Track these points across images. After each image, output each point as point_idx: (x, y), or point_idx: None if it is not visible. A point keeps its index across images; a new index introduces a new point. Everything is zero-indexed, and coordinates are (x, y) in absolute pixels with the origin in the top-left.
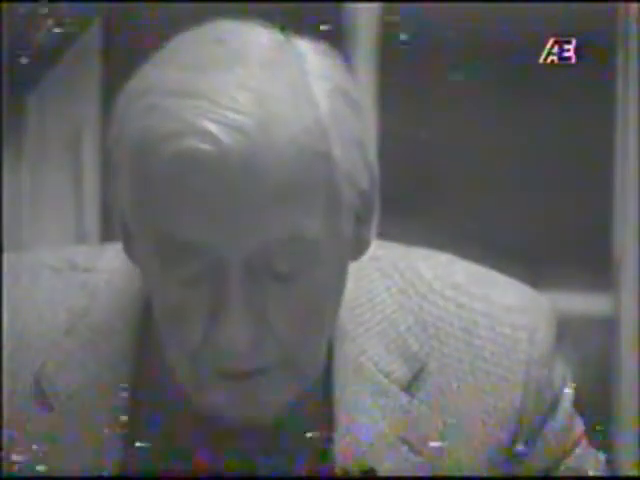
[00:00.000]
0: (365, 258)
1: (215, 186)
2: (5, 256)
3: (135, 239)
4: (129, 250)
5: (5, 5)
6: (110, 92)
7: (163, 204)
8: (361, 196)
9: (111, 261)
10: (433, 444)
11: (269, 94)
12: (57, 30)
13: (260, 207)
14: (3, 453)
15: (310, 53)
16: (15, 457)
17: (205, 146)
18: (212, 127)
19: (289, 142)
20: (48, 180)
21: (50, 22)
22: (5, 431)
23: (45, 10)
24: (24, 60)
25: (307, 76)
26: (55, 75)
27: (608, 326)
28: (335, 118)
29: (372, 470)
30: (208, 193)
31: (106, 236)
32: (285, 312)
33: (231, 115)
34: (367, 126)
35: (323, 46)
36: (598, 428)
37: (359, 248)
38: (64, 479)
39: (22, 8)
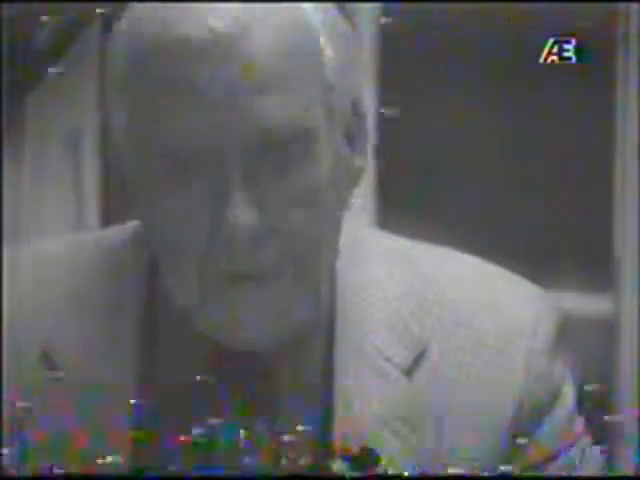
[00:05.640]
0: (369, 245)
1: (209, 74)
2: (6, 248)
3: (131, 164)
4: (125, 187)
5: (5, 5)
6: None
7: (159, 99)
8: (354, 110)
9: (113, 240)
10: (432, 428)
11: None
12: (57, 30)
13: (255, 95)
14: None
15: None
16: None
17: (198, 32)
18: (206, 14)
19: (280, 32)
20: (48, 179)
21: (50, 22)
22: (15, 403)
23: (45, 10)
24: (24, 60)
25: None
26: (55, 75)
27: (608, 326)
28: (326, 27)
29: (371, 452)
30: (203, 81)
31: None
32: (284, 208)
33: (225, 5)
34: (359, 53)
35: None
36: (598, 427)
37: (354, 174)
38: (64, 479)
39: (22, 8)
